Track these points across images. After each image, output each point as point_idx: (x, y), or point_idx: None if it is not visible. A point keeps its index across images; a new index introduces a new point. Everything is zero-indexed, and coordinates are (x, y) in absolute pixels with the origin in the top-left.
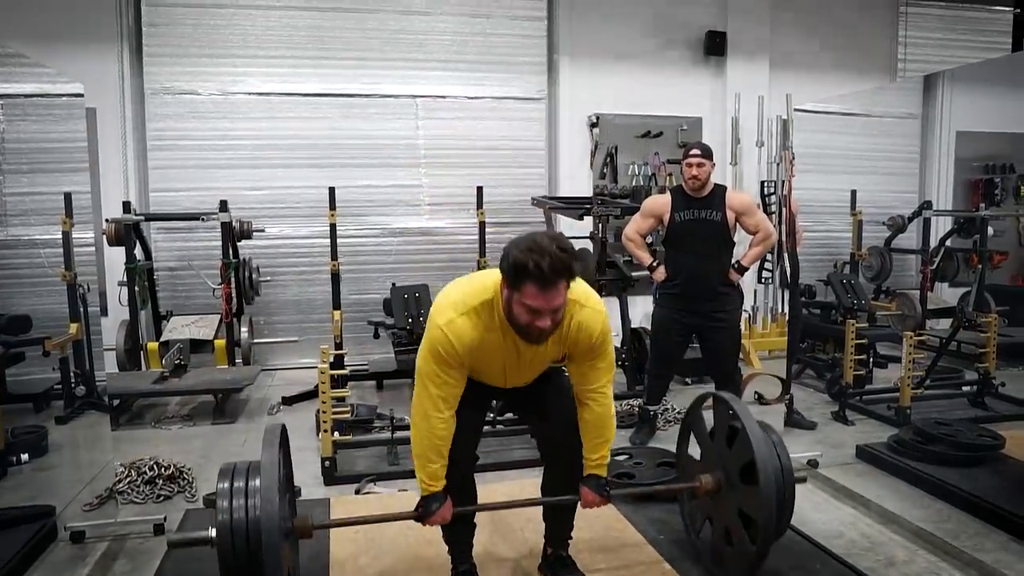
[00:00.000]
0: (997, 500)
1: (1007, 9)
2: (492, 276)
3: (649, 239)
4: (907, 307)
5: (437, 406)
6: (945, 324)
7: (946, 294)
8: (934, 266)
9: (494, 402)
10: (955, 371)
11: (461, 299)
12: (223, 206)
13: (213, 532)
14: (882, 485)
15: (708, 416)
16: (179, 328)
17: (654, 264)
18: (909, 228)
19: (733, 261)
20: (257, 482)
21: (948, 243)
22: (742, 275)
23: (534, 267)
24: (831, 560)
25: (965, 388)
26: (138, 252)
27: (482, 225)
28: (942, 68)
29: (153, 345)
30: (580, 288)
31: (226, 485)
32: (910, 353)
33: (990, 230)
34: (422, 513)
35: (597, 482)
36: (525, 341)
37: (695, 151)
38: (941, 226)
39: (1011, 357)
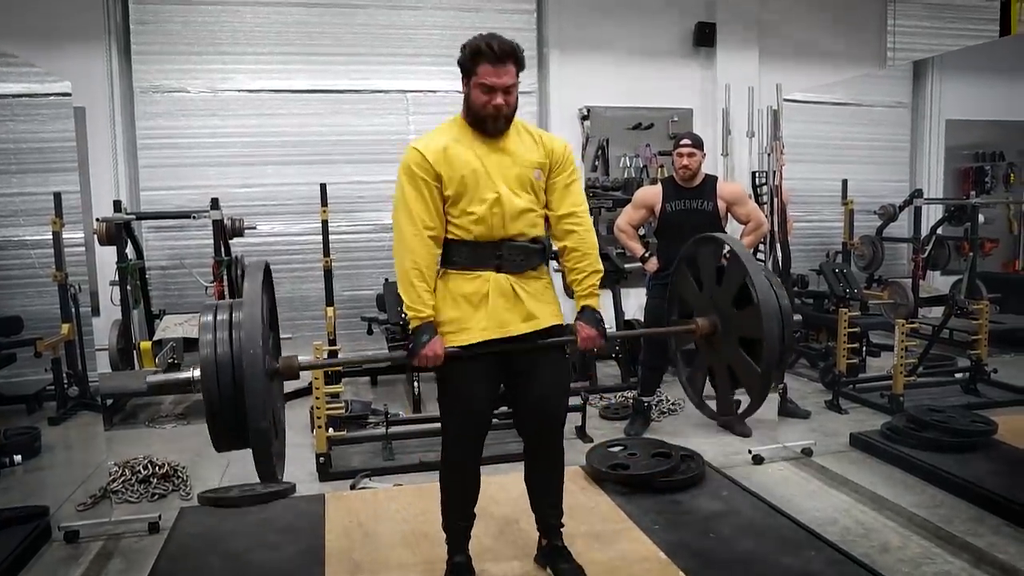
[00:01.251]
0: (990, 485)
1: None
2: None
3: (641, 231)
4: (899, 296)
5: (415, 225)
6: (937, 312)
7: (938, 282)
8: (925, 254)
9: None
10: (947, 358)
11: (426, 132)
12: (214, 204)
13: (196, 372)
14: (876, 472)
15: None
16: (172, 327)
17: (646, 255)
18: (900, 217)
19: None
20: (240, 315)
21: (939, 231)
22: None
23: (486, 47)
24: (826, 547)
25: (958, 375)
26: (129, 251)
27: None
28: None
29: (146, 344)
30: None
31: (209, 319)
32: (903, 341)
33: (981, 218)
34: (412, 348)
35: (592, 314)
36: (485, 130)
37: (686, 141)
38: (932, 215)
39: (1003, 344)
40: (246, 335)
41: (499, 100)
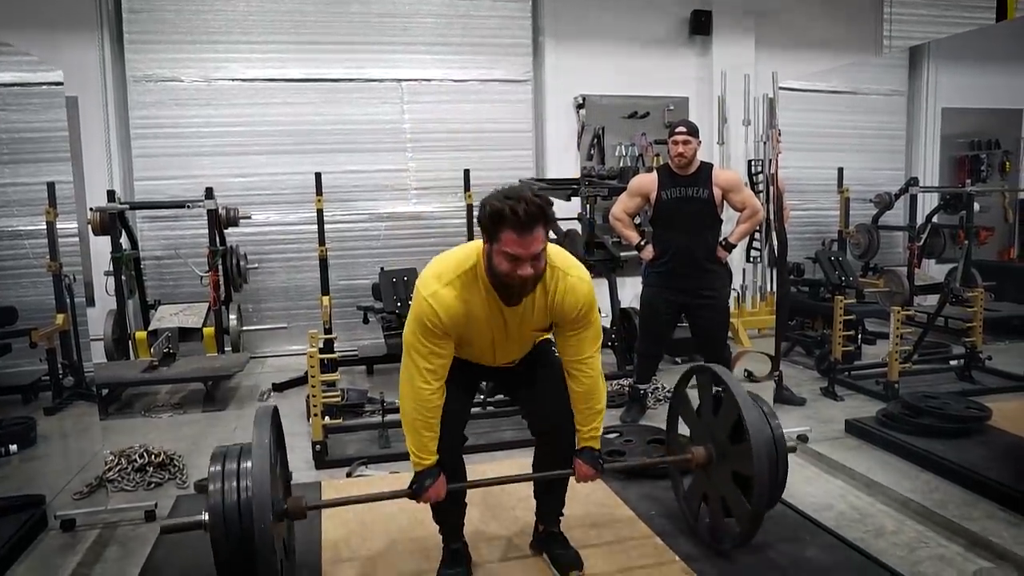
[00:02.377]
0: (984, 470)
1: None
2: (475, 245)
3: (637, 220)
4: (895, 284)
5: (425, 378)
6: (932, 300)
7: (933, 270)
8: (921, 243)
9: (484, 384)
10: (942, 346)
11: (445, 269)
12: (209, 193)
13: (205, 516)
14: (871, 458)
15: (696, 398)
16: (167, 317)
17: (642, 243)
18: (896, 205)
19: (721, 238)
20: (249, 464)
21: (935, 220)
22: (730, 252)
23: (510, 212)
24: (821, 531)
25: (952, 362)
26: (124, 241)
27: (469, 208)
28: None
29: (141, 334)
30: (565, 258)
31: (218, 468)
32: (898, 329)
33: (976, 206)
34: (416, 490)
35: (591, 454)
36: (508, 299)
37: (681, 128)
38: (928, 203)
39: (997, 331)
40: (255, 485)
41: (527, 270)
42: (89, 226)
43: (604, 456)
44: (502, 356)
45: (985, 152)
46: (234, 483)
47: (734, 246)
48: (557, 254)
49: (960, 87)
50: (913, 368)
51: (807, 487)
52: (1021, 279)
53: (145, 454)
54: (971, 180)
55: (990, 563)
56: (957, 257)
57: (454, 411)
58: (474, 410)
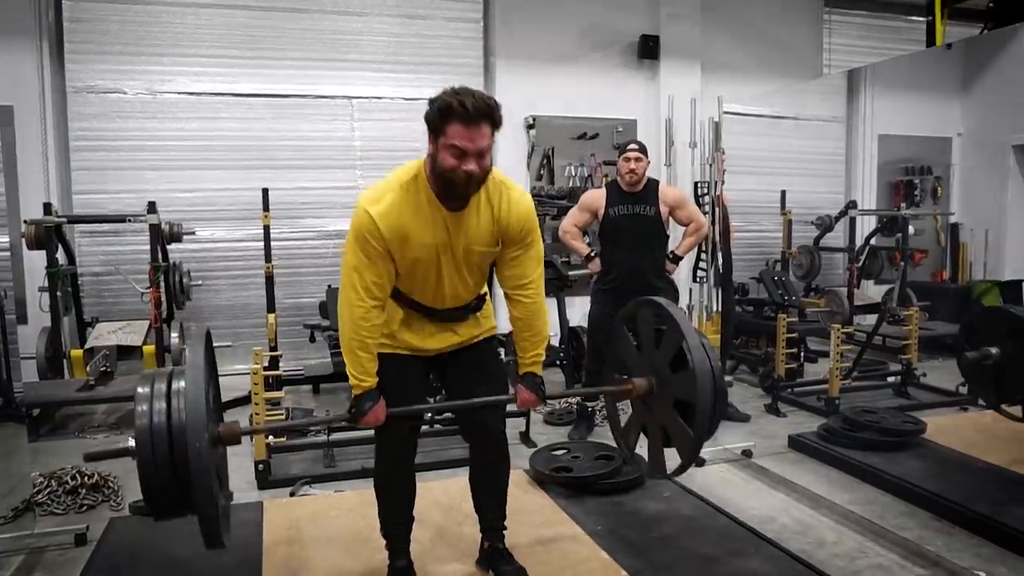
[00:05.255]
0: (920, 482)
1: (921, 19)
2: (416, 161)
3: (587, 239)
4: (835, 303)
5: (360, 295)
6: (871, 319)
7: (871, 291)
8: (860, 264)
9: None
10: (880, 363)
11: (384, 183)
12: (151, 208)
13: (132, 441)
14: (813, 472)
15: None
16: (105, 335)
17: (592, 254)
18: (836, 227)
19: (668, 251)
20: (182, 383)
21: (873, 242)
22: (677, 264)
23: (458, 105)
24: (764, 544)
25: (890, 379)
26: (61, 256)
27: None
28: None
29: (77, 352)
30: (506, 176)
31: (146, 389)
32: (838, 347)
33: (911, 229)
34: (355, 413)
35: (533, 380)
36: (451, 199)
37: (633, 146)
38: (866, 226)
39: (931, 349)
40: (189, 401)
41: (471, 166)
42: (23, 239)
43: (550, 472)
44: (450, 289)
45: (918, 177)
46: (164, 404)
47: (681, 258)
48: (499, 172)
49: (895, 114)
50: (853, 384)
51: (751, 500)
52: (953, 299)
53: (77, 475)
54: (905, 204)
55: (925, 571)
56: (894, 278)
57: (404, 420)
58: (423, 428)
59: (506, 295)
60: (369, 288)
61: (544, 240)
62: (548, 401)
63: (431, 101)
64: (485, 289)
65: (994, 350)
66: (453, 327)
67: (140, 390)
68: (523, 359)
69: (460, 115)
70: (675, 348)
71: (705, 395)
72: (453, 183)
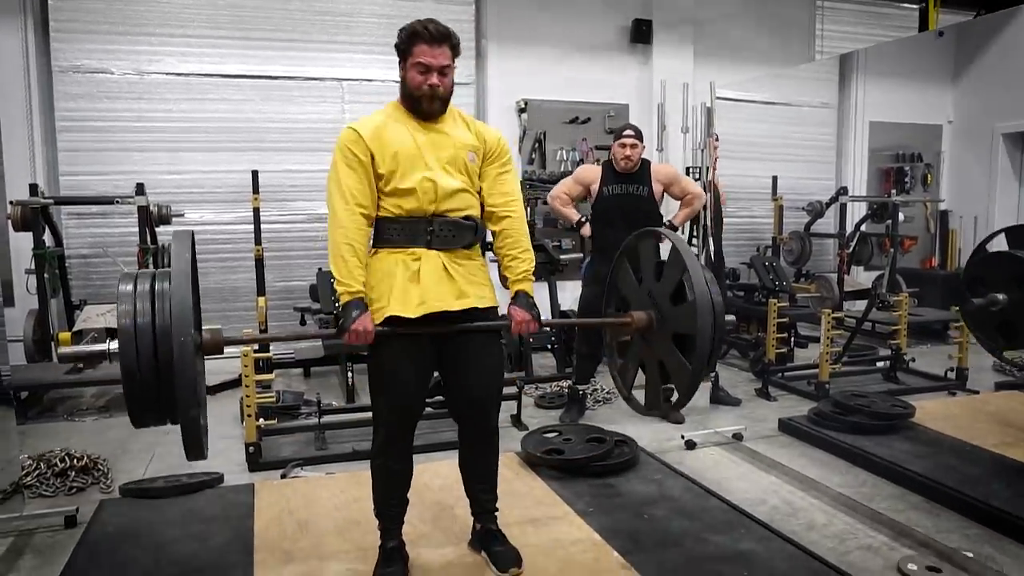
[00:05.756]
0: (909, 464)
1: (913, 6)
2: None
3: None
4: (826, 289)
5: (346, 201)
6: (860, 305)
7: (861, 277)
8: (850, 250)
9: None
10: (870, 348)
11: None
12: (139, 189)
13: (110, 344)
14: (803, 455)
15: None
16: (93, 317)
17: (582, 219)
18: (827, 213)
19: (665, 220)
20: (167, 284)
21: (863, 228)
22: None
23: (422, 28)
24: (755, 525)
25: (879, 364)
26: (47, 238)
27: None
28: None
29: (65, 335)
30: None
31: (128, 288)
32: (828, 332)
33: (901, 216)
34: (343, 324)
35: (525, 299)
36: (420, 111)
37: (629, 132)
38: (856, 212)
39: (920, 335)
40: (176, 302)
41: (434, 80)
42: (9, 221)
43: (542, 455)
44: (443, 180)
45: (909, 165)
46: (147, 304)
47: (677, 228)
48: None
49: (886, 102)
50: (842, 369)
51: (742, 483)
52: (942, 286)
53: (67, 458)
54: (896, 191)
55: (913, 551)
56: (884, 264)
57: (409, 394)
58: None
59: (494, 216)
60: (354, 195)
61: (535, 225)
62: (544, 328)
63: (400, 30)
64: (476, 221)
65: (1001, 296)
66: (455, 279)
67: (123, 288)
68: (512, 276)
69: (424, 36)
70: (676, 280)
71: (705, 328)
72: (420, 99)
